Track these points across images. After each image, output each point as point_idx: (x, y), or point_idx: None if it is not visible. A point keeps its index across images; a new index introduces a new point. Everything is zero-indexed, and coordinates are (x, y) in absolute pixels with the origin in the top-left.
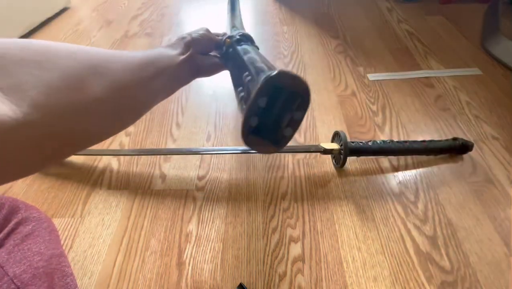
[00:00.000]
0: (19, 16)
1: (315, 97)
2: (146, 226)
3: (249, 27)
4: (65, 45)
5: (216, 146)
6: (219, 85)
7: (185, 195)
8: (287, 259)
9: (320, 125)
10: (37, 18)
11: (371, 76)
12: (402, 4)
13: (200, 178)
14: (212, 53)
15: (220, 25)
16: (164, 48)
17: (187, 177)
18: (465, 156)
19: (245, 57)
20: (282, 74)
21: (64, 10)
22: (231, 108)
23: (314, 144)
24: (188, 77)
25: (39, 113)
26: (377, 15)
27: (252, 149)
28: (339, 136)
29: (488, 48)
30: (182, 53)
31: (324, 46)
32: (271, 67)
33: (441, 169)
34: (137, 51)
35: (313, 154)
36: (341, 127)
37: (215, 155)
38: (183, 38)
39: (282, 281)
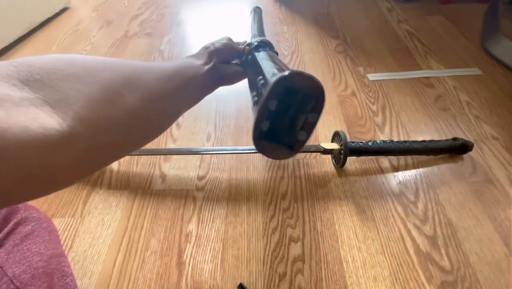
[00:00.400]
0: (19, 16)
1: None
2: (146, 226)
3: (249, 27)
4: (102, 58)
5: (216, 146)
6: None
7: (185, 195)
8: (287, 259)
9: (320, 125)
10: (37, 18)
11: (371, 76)
12: (402, 4)
13: (200, 178)
14: (234, 62)
15: (220, 26)
16: (189, 58)
17: (187, 177)
18: (465, 156)
19: (261, 62)
20: (294, 75)
21: (64, 10)
22: (231, 108)
23: (314, 144)
24: (212, 86)
25: (82, 126)
26: (377, 15)
27: (265, 155)
28: (339, 136)
29: (488, 48)
30: (207, 63)
31: (324, 46)
32: (284, 70)
33: (441, 169)
34: (165, 62)
35: (313, 154)
36: (341, 127)
37: (215, 155)
38: (206, 48)
39: (282, 281)
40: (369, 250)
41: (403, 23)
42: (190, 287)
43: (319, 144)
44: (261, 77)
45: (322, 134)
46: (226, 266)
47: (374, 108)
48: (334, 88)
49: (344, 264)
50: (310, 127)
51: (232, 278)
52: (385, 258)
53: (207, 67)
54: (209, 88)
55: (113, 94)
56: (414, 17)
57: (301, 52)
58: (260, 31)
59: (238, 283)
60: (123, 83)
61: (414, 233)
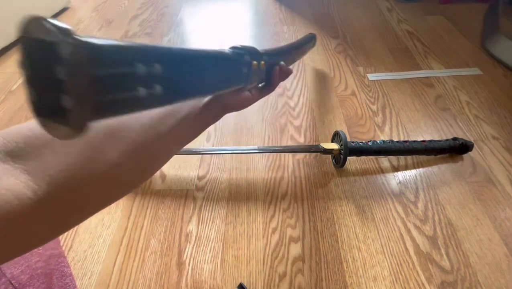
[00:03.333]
0: (19, 16)
1: (315, 97)
2: (146, 226)
3: (249, 27)
4: None
5: (216, 146)
6: None
7: (185, 195)
8: (287, 259)
9: (320, 125)
10: None
11: (371, 76)
12: (402, 4)
13: (200, 178)
14: (239, 87)
15: (218, 26)
16: None
17: (187, 177)
18: (465, 156)
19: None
20: (28, 21)
21: (64, 10)
22: None
23: (314, 144)
24: (213, 118)
25: (57, 190)
26: (377, 15)
27: (51, 135)
28: (339, 136)
29: (488, 48)
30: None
31: (324, 46)
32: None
33: (441, 169)
34: None
35: (313, 154)
36: (341, 127)
37: (215, 155)
38: None
39: (282, 281)
40: (369, 250)
41: (403, 23)
42: (190, 287)
43: (319, 144)
44: None
45: (322, 134)
46: (226, 266)
47: (374, 108)
48: (334, 88)
49: (344, 264)
50: (67, 86)
51: (232, 278)
52: (385, 258)
53: (205, 100)
54: (209, 121)
55: (95, 151)
56: (414, 17)
57: None
58: (278, 49)
59: (238, 283)
60: (108, 137)
61: (414, 233)
